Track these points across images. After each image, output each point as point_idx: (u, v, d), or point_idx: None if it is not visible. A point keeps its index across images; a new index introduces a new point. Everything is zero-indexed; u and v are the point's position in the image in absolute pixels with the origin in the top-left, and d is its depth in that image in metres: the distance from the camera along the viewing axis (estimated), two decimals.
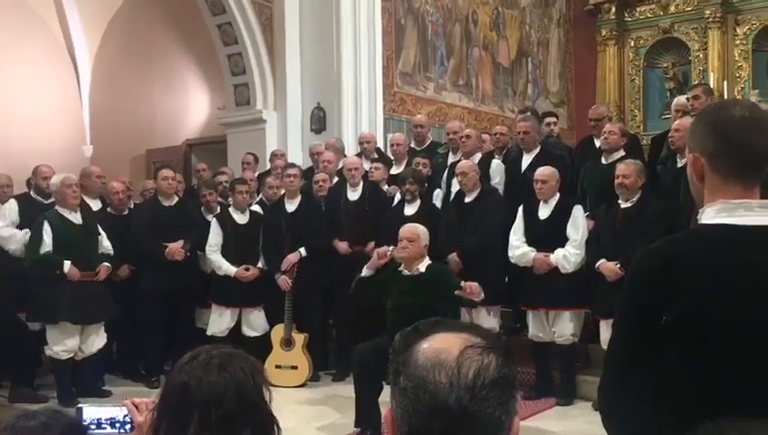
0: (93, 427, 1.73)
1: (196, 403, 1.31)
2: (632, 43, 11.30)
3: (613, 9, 11.08)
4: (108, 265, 5.31)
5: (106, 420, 1.69)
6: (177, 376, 1.36)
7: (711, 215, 1.50)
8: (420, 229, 4.48)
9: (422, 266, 4.40)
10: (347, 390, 4.80)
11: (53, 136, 9.68)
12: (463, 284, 4.13)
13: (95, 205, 5.75)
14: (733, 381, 1.39)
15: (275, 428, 1.43)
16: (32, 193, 5.70)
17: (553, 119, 6.69)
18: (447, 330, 1.05)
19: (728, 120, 1.47)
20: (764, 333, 1.38)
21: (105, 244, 5.42)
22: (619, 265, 4.55)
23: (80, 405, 1.74)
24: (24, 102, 9.34)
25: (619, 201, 4.77)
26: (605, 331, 4.71)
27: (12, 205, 5.45)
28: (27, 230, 5.25)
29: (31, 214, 5.36)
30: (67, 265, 5.04)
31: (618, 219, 4.72)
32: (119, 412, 1.63)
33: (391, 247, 5.39)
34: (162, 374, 5.39)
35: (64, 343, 5.08)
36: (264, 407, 1.39)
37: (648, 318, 1.46)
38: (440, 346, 1.01)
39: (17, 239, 5.33)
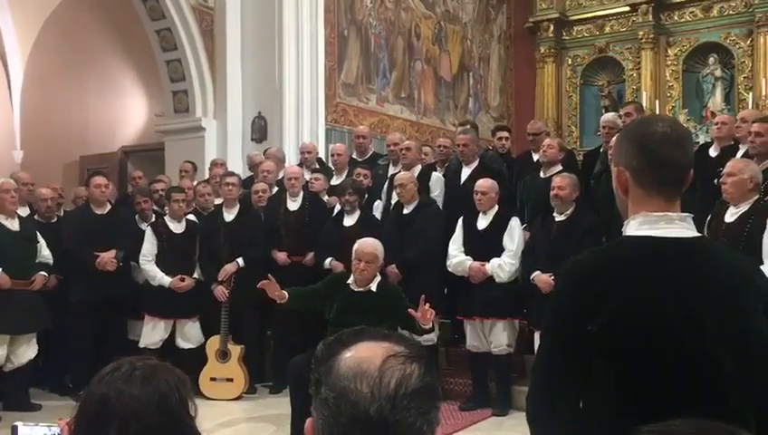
0: None
1: (114, 416, 1.25)
2: (570, 61, 11.60)
3: (552, 27, 11.35)
4: (44, 274, 5.17)
5: None
6: (96, 387, 1.30)
7: (634, 227, 1.54)
8: (378, 248, 4.33)
9: (373, 285, 4.32)
10: (283, 403, 4.73)
11: None
12: (415, 312, 3.97)
13: (23, 212, 5.54)
14: (653, 388, 1.42)
15: None
16: None
17: (505, 133, 6.77)
18: (371, 339, 1.04)
19: (651, 136, 1.51)
20: (681, 341, 1.42)
21: (44, 253, 5.26)
22: (552, 277, 4.63)
23: (15, 424, 1.69)
24: None
25: (554, 214, 4.87)
26: (537, 342, 4.79)
27: None
28: None
29: None
30: None
31: (552, 232, 4.82)
32: (55, 431, 1.56)
33: (329, 259, 5.39)
34: None
35: None
36: (188, 423, 1.33)
37: (575, 326, 1.49)
38: (363, 355, 1.00)
39: None
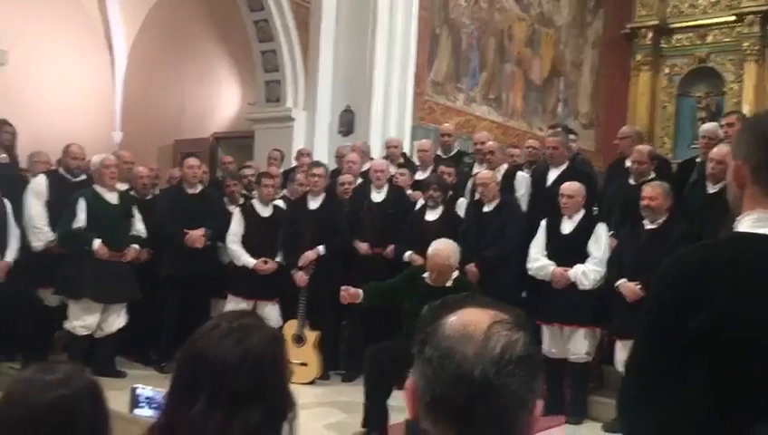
0: (144, 405, 1.81)
1: (210, 374, 1.29)
2: (667, 70, 11.23)
3: (650, 35, 11.02)
4: (137, 247, 5.39)
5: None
6: (194, 344, 1.35)
7: (747, 224, 1.48)
8: (451, 256, 4.34)
9: (449, 281, 4.35)
10: (355, 391, 4.78)
11: (84, 120, 9.80)
12: None
13: (122, 187, 5.80)
14: (755, 389, 1.36)
15: (291, 407, 1.38)
16: (60, 170, 5.76)
17: (572, 136, 6.63)
18: (476, 305, 1.04)
19: None
20: None
21: (138, 227, 5.50)
22: (639, 286, 4.50)
23: (134, 386, 1.83)
24: (57, 84, 9.46)
25: (644, 222, 4.73)
26: (621, 352, 4.66)
27: (41, 180, 5.53)
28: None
29: (59, 190, 5.44)
30: (96, 242, 5.11)
31: (641, 240, 4.67)
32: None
33: (409, 253, 5.41)
34: (172, 361, 5.41)
35: (83, 320, 5.13)
36: (280, 384, 1.35)
37: (675, 324, 1.43)
38: (468, 319, 1.00)
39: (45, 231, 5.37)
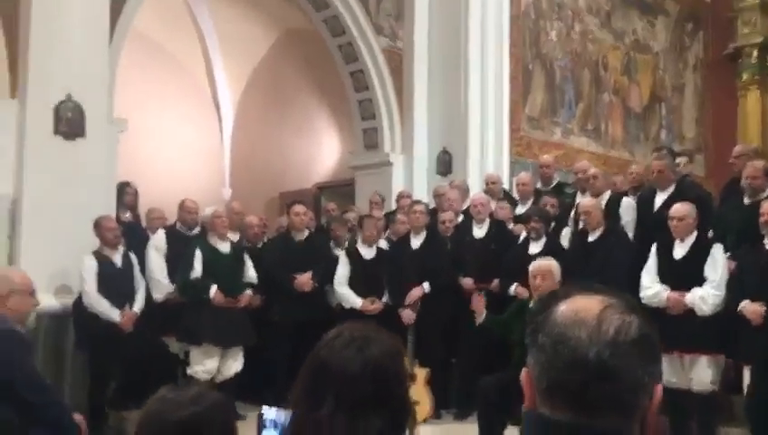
0: (270, 427, 1.93)
1: (332, 382, 1.34)
2: None
3: (755, 53, 10.60)
4: (250, 292, 5.61)
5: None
6: (316, 353, 1.41)
7: None
8: (553, 265, 4.41)
9: None
10: (468, 429, 4.72)
11: (196, 179, 10.39)
12: None
13: (233, 237, 6.09)
14: None
15: (411, 417, 1.41)
16: (177, 225, 6.12)
17: (681, 159, 6.41)
18: (586, 292, 1.04)
19: None
20: None
21: (250, 273, 5.73)
22: (765, 307, 4.25)
23: (261, 411, 1.95)
24: (170, 147, 10.13)
25: (765, 241, 4.49)
26: (749, 378, 4.39)
27: (160, 235, 5.89)
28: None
29: (176, 244, 5.77)
30: (213, 289, 5.37)
31: (764, 259, 4.43)
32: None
33: (514, 286, 5.38)
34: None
35: (204, 364, 5.35)
36: (401, 394, 1.38)
37: None
38: (580, 305, 1.01)
39: (164, 283, 5.71)
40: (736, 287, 4.55)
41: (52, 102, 5.61)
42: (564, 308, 1.02)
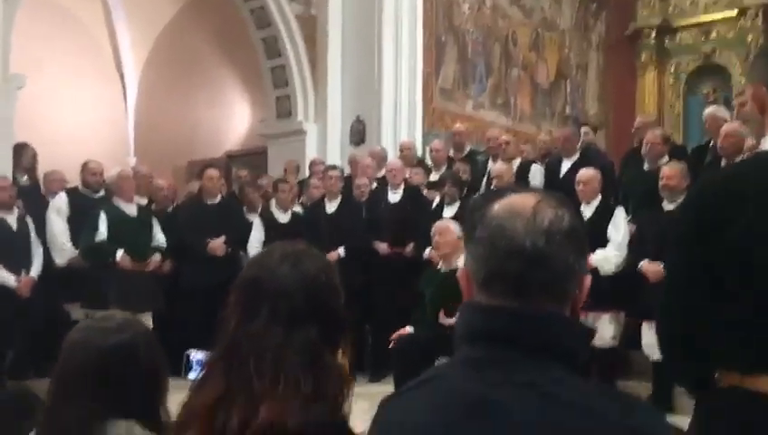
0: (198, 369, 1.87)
1: (266, 295, 1.33)
2: (672, 69, 11.29)
3: (653, 34, 11.11)
4: (158, 256, 5.44)
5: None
6: (249, 269, 1.39)
7: None
8: (450, 223, 4.54)
9: (460, 262, 4.43)
10: (383, 389, 4.78)
11: (99, 147, 9.90)
12: None
13: (141, 202, 5.88)
14: None
15: (346, 330, 1.41)
16: (80, 187, 5.85)
17: (586, 129, 6.68)
18: (520, 191, 1.07)
19: None
20: None
21: (159, 237, 5.56)
22: (662, 266, 4.50)
23: (187, 352, 1.88)
24: (70, 113, 9.62)
25: (663, 204, 4.74)
26: (647, 335, 4.65)
27: (62, 197, 5.61)
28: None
29: (79, 207, 5.51)
30: (119, 253, 5.17)
31: (661, 222, 4.68)
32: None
33: (428, 249, 5.47)
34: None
35: None
36: (335, 307, 1.38)
37: (704, 240, 1.45)
38: (515, 201, 1.04)
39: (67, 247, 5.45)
40: (636, 248, 4.80)
41: None
42: (500, 204, 1.04)
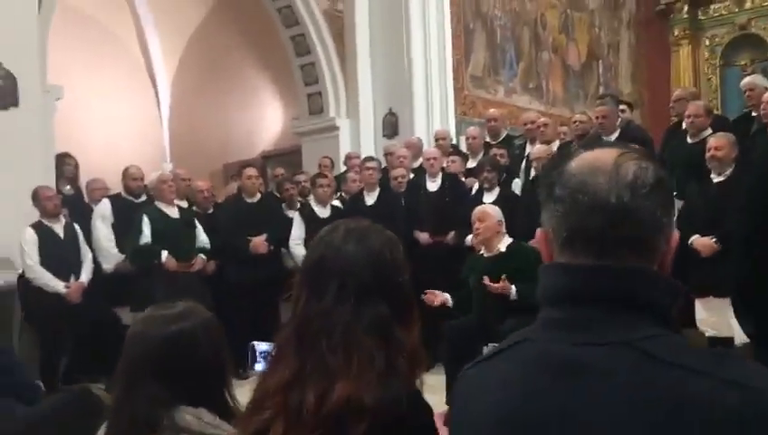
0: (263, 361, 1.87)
1: (333, 273, 1.31)
2: (707, 42, 11.06)
3: (686, 8, 10.90)
4: (203, 256, 5.49)
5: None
6: (315, 248, 1.38)
7: None
8: (489, 208, 4.48)
9: (502, 246, 4.39)
10: (432, 377, 4.75)
11: (134, 154, 10.02)
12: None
13: (182, 204, 5.93)
14: None
15: (413, 307, 1.39)
16: (122, 193, 5.92)
17: (623, 107, 6.55)
18: (599, 147, 1.03)
19: None
20: None
21: (202, 238, 5.61)
22: (714, 240, 4.39)
23: (252, 342, 1.88)
24: (106, 122, 9.76)
25: (711, 176, 4.63)
26: (701, 311, 4.53)
27: (105, 204, 5.69)
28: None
29: (122, 212, 5.59)
30: (164, 255, 5.22)
31: (711, 194, 4.57)
32: None
33: (470, 236, 5.42)
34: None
35: None
36: (402, 283, 1.36)
37: None
38: (595, 156, 0.99)
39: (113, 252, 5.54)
40: (684, 223, 4.68)
41: None
42: (578, 160, 1.00)
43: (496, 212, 4.53)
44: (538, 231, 1.05)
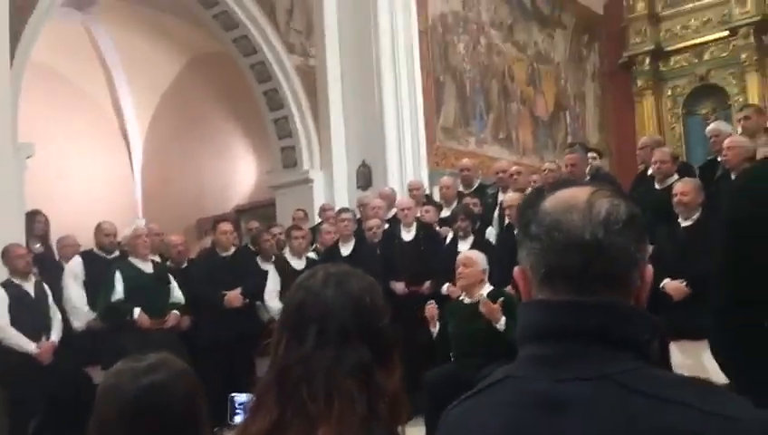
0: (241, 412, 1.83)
1: (312, 318, 1.31)
2: (669, 92, 11.40)
3: (647, 60, 11.24)
4: (177, 312, 5.42)
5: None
6: (294, 293, 1.37)
7: None
8: (475, 254, 4.53)
9: (484, 292, 4.42)
10: (412, 429, 4.69)
11: (107, 211, 9.94)
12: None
13: (156, 260, 5.87)
14: None
15: (394, 352, 1.38)
16: (94, 249, 5.85)
17: (593, 154, 6.71)
18: (570, 185, 1.06)
19: None
20: None
21: (176, 294, 5.55)
22: (684, 283, 4.46)
23: (231, 394, 1.84)
24: (77, 178, 9.71)
25: (679, 220, 4.72)
26: (677, 354, 4.57)
27: (77, 260, 5.62)
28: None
29: (94, 268, 5.52)
30: (137, 311, 5.15)
31: (680, 238, 4.66)
32: None
33: (446, 285, 5.43)
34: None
35: None
36: (382, 328, 1.36)
37: (755, 233, 1.46)
38: (568, 195, 1.02)
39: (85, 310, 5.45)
40: (655, 266, 4.74)
41: None
42: (552, 199, 1.03)
43: (482, 260, 4.56)
44: (516, 269, 1.07)
